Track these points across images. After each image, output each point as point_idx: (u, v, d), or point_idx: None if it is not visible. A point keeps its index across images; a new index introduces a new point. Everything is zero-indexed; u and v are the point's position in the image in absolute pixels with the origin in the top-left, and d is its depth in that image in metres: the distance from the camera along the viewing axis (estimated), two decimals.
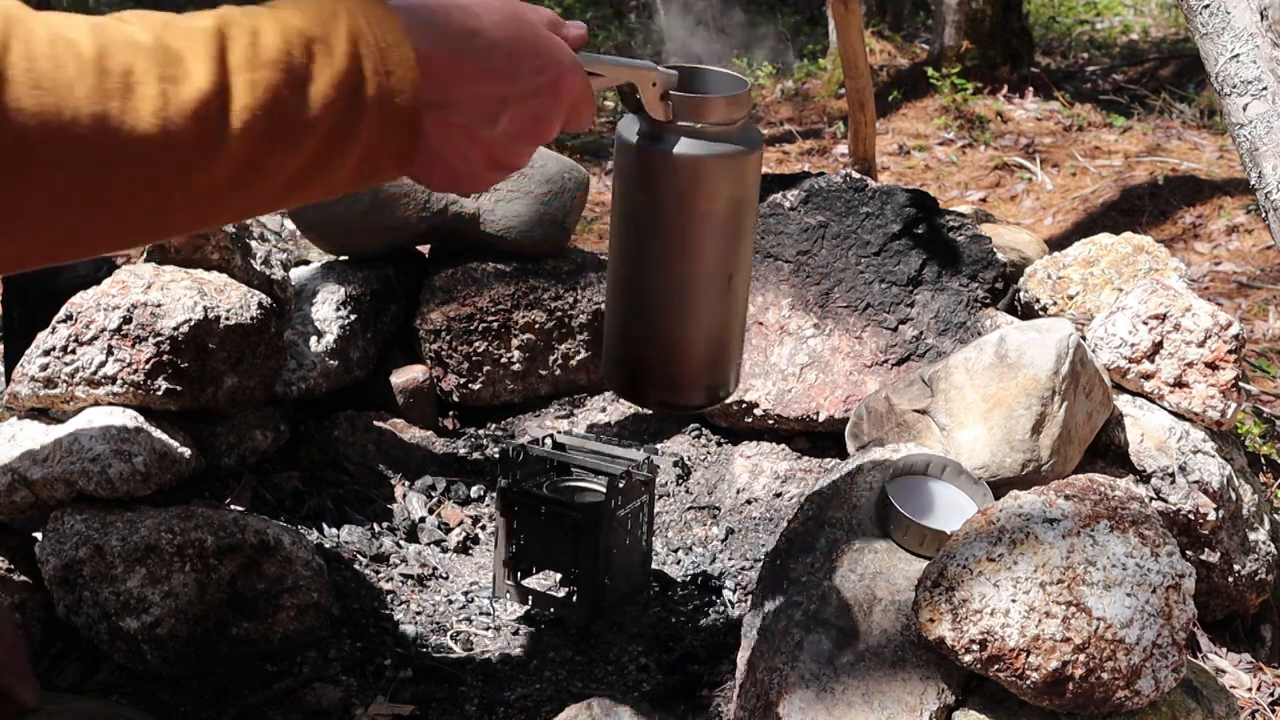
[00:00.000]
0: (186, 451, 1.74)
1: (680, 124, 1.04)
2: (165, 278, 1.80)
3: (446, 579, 1.90)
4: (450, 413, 2.29)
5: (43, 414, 1.75)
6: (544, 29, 0.87)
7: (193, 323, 1.73)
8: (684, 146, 1.05)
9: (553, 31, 0.90)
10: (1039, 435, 1.53)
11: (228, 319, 1.78)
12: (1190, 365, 1.72)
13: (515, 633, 1.77)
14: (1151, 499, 1.65)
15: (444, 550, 1.98)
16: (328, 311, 2.17)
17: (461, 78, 0.80)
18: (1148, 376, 1.74)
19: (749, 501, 2.00)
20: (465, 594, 1.86)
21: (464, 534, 2.02)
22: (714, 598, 1.85)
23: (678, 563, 1.95)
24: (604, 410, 2.30)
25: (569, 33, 0.94)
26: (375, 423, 2.17)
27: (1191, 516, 1.65)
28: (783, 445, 2.07)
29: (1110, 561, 1.23)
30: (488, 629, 1.78)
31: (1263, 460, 2.25)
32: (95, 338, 1.70)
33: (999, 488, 1.47)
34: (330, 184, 0.77)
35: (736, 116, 1.07)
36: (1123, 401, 1.75)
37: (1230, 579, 1.72)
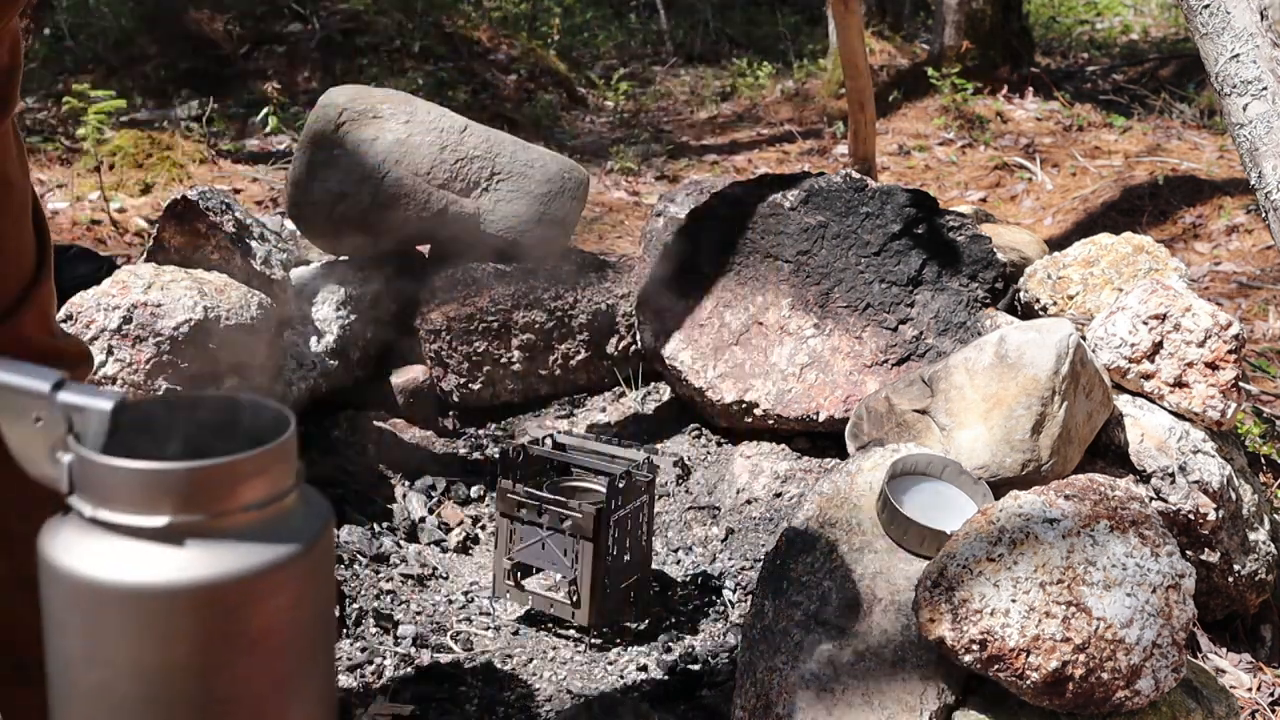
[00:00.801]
0: None
1: (77, 504, 0.59)
2: (165, 278, 1.80)
3: (446, 579, 1.90)
4: (450, 413, 2.29)
5: None
6: None
7: (193, 323, 1.73)
8: (66, 546, 0.58)
9: None
10: (1039, 435, 1.53)
11: (228, 319, 1.78)
12: (1190, 365, 1.72)
13: (515, 633, 1.77)
14: (1151, 499, 1.65)
15: (444, 550, 1.98)
16: (328, 311, 2.18)
17: None
18: (1148, 376, 1.74)
19: (749, 501, 2.00)
20: (465, 594, 1.86)
21: (464, 534, 2.02)
22: (714, 598, 1.85)
23: (678, 563, 1.95)
24: (604, 410, 2.30)
25: None
26: (375, 423, 2.17)
27: (1191, 516, 1.65)
28: (783, 445, 2.07)
29: (1110, 561, 1.23)
30: (488, 629, 1.78)
31: (1263, 460, 2.25)
32: (95, 338, 1.70)
33: (999, 488, 1.47)
34: None
35: (175, 510, 0.57)
36: (1123, 401, 1.75)
37: (1230, 579, 1.71)
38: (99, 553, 0.58)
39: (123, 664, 0.59)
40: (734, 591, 1.86)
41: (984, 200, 4.70)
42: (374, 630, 1.72)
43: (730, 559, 1.93)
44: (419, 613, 1.79)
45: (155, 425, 0.64)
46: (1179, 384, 1.73)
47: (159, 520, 0.57)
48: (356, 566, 1.83)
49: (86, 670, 0.60)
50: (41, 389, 0.59)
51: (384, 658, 1.65)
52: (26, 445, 0.59)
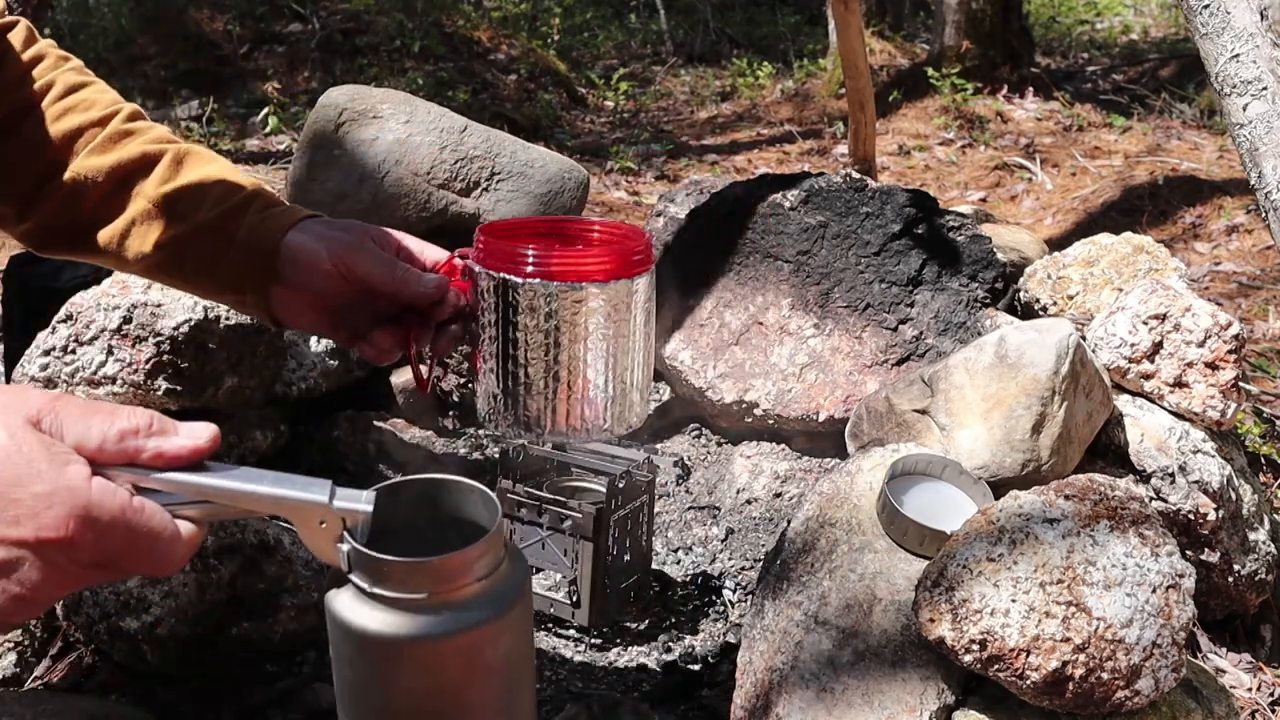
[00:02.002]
0: None
1: (354, 580, 0.82)
2: None
3: None
4: (450, 413, 2.29)
5: None
6: (43, 463, 0.68)
7: (193, 322, 1.73)
8: (349, 608, 0.82)
9: (118, 459, 0.74)
10: (1039, 435, 1.53)
11: (227, 319, 1.78)
12: (1190, 365, 1.72)
13: None
14: (1151, 499, 1.65)
15: None
16: None
17: None
18: (1148, 376, 1.74)
19: (749, 501, 2.00)
20: None
21: None
22: (714, 598, 1.85)
23: (678, 563, 1.95)
24: None
25: (162, 448, 0.76)
26: (375, 423, 2.17)
27: (1191, 516, 1.65)
28: (783, 445, 2.07)
29: (1110, 561, 1.23)
30: None
31: (1263, 460, 2.25)
32: (95, 337, 1.70)
33: (999, 488, 1.47)
34: None
35: (429, 589, 0.80)
36: (1123, 401, 1.75)
37: (1230, 579, 1.71)
38: (376, 617, 0.79)
39: (397, 691, 0.81)
40: (734, 591, 1.86)
41: (984, 200, 4.70)
42: None
43: (730, 559, 1.93)
44: None
45: (400, 501, 0.86)
46: (1179, 384, 1.73)
47: (418, 595, 0.79)
48: None
49: (367, 695, 0.82)
50: (321, 500, 0.79)
51: None
52: (315, 540, 0.81)
